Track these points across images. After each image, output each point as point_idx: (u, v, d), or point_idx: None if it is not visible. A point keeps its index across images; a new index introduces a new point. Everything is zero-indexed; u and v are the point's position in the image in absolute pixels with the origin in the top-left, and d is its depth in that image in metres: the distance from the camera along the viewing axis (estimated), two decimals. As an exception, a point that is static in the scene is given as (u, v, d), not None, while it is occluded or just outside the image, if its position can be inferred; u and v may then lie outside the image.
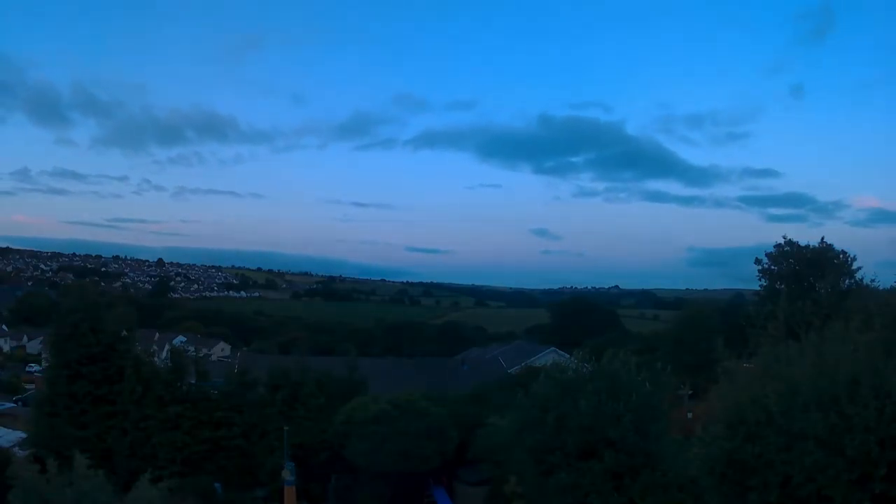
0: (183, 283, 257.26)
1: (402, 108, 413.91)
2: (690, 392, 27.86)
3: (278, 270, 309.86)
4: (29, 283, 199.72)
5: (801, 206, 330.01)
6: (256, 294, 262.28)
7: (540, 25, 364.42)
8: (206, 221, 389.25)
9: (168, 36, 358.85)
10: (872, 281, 28.56)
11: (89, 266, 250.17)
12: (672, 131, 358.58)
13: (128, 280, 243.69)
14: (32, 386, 47.06)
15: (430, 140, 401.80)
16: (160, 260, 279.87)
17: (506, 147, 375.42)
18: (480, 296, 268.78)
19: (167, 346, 32.18)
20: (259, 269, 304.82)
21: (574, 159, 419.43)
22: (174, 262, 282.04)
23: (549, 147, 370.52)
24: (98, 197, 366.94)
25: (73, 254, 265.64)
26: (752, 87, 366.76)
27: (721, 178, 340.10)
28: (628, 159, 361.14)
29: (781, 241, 38.72)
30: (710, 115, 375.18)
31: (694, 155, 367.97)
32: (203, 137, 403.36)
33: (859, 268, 35.00)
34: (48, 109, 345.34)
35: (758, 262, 40.86)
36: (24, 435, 24.49)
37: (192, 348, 29.45)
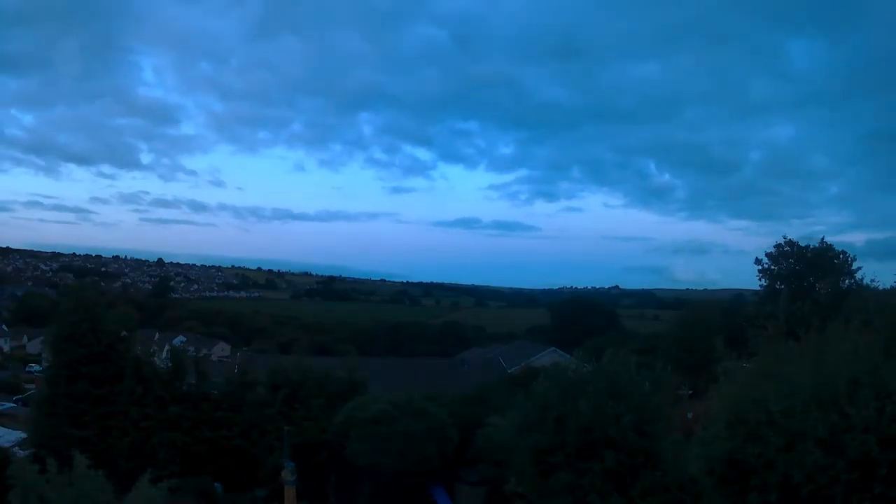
0: (183, 283, 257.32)
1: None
2: (690, 392, 27.85)
3: (278, 270, 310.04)
4: (29, 283, 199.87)
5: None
6: (256, 294, 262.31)
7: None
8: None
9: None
10: (873, 281, 28.63)
11: (89, 266, 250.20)
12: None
13: (128, 280, 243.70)
14: (32, 386, 47.05)
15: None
16: (160, 260, 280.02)
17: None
18: (480, 296, 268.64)
19: (167, 346, 32.12)
20: (259, 269, 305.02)
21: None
22: (174, 262, 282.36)
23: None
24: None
25: (73, 254, 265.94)
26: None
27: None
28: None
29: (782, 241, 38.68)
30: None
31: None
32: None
33: (859, 268, 35.05)
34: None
35: (758, 262, 40.74)
36: (24, 435, 24.49)
37: (192, 348, 29.48)
